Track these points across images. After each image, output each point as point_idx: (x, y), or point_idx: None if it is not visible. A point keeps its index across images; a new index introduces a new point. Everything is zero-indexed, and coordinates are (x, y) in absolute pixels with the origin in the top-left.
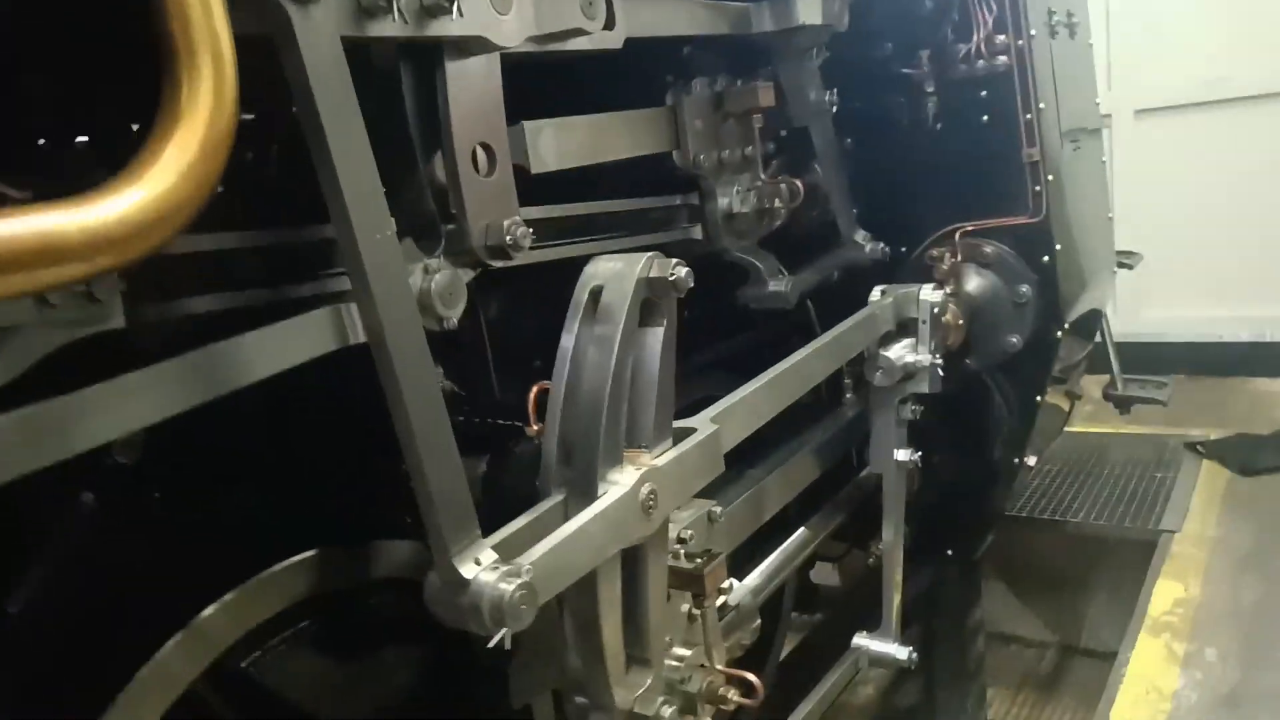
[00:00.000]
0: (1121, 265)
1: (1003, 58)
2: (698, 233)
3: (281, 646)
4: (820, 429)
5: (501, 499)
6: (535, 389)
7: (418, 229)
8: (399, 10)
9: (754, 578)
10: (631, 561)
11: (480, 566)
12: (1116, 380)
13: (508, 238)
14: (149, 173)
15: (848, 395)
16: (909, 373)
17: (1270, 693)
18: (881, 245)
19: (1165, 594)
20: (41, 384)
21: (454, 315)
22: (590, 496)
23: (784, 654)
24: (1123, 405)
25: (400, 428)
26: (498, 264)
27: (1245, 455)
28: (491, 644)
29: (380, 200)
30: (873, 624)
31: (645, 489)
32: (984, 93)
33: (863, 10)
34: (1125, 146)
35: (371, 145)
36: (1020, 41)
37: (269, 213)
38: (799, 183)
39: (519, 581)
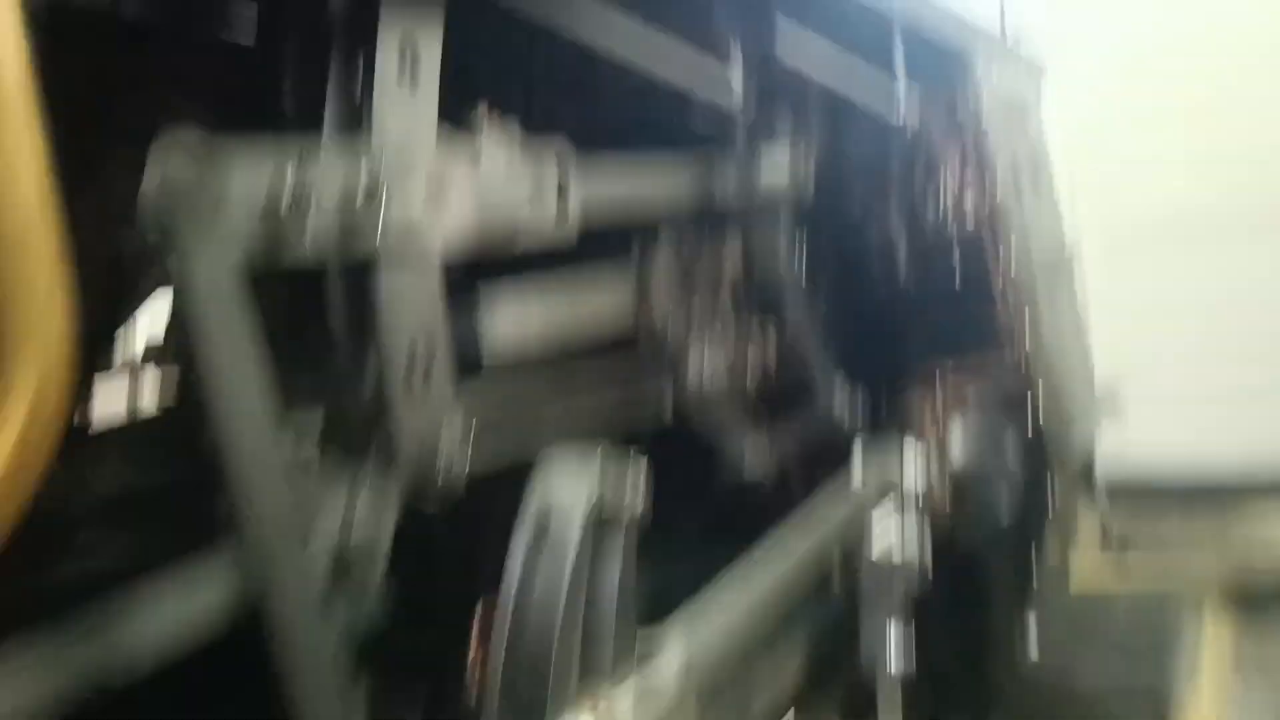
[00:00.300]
0: (1105, 410)
1: (972, 217)
2: (667, 399)
3: None
4: (805, 623)
5: None
6: (480, 608)
7: (348, 450)
8: (312, 235)
9: None
10: None
11: None
12: (1109, 530)
13: (440, 468)
14: None
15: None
16: (898, 570)
17: None
18: (860, 402)
19: None
20: None
21: (376, 568)
22: None
23: None
24: (1120, 546)
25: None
26: (432, 502)
27: (1252, 604)
28: None
29: (276, 443)
30: None
31: None
32: (956, 243)
33: (830, 168)
34: (1095, 274)
35: (296, 349)
36: (988, 202)
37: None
38: (770, 345)
39: None
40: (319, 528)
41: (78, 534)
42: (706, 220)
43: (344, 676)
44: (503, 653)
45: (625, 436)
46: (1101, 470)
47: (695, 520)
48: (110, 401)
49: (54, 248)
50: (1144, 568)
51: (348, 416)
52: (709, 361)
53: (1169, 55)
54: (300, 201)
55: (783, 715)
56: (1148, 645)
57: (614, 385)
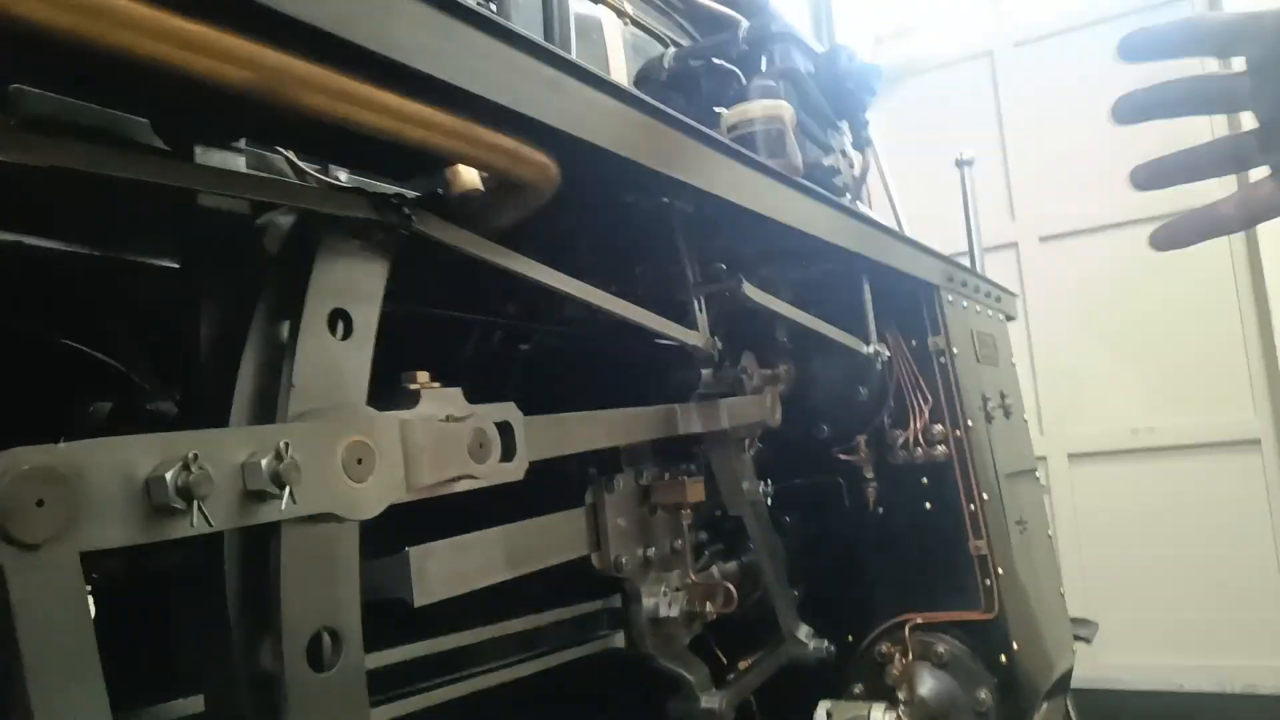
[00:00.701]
0: (1078, 638)
1: (941, 446)
2: (620, 640)
3: None
4: None
5: None
6: None
7: None
8: (201, 509)
9: None
10: None
11: None
12: None
13: None
14: None
15: None
16: None
17: None
18: (825, 644)
19: None
20: None
21: None
22: None
23: None
24: None
25: None
26: None
27: None
28: None
29: None
30: None
31: None
32: (924, 480)
33: (798, 398)
34: (1060, 491)
35: (181, 630)
36: (958, 431)
37: None
38: (732, 586)
39: None
40: None
41: None
42: (668, 452)
43: None
44: None
45: (571, 675)
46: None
47: None
48: None
49: None
50: None
51: (234, 707)
52: (666, 593)
53: (1129, 295)
54: (185, 470)
55: None
56: None
57: (562, 628)
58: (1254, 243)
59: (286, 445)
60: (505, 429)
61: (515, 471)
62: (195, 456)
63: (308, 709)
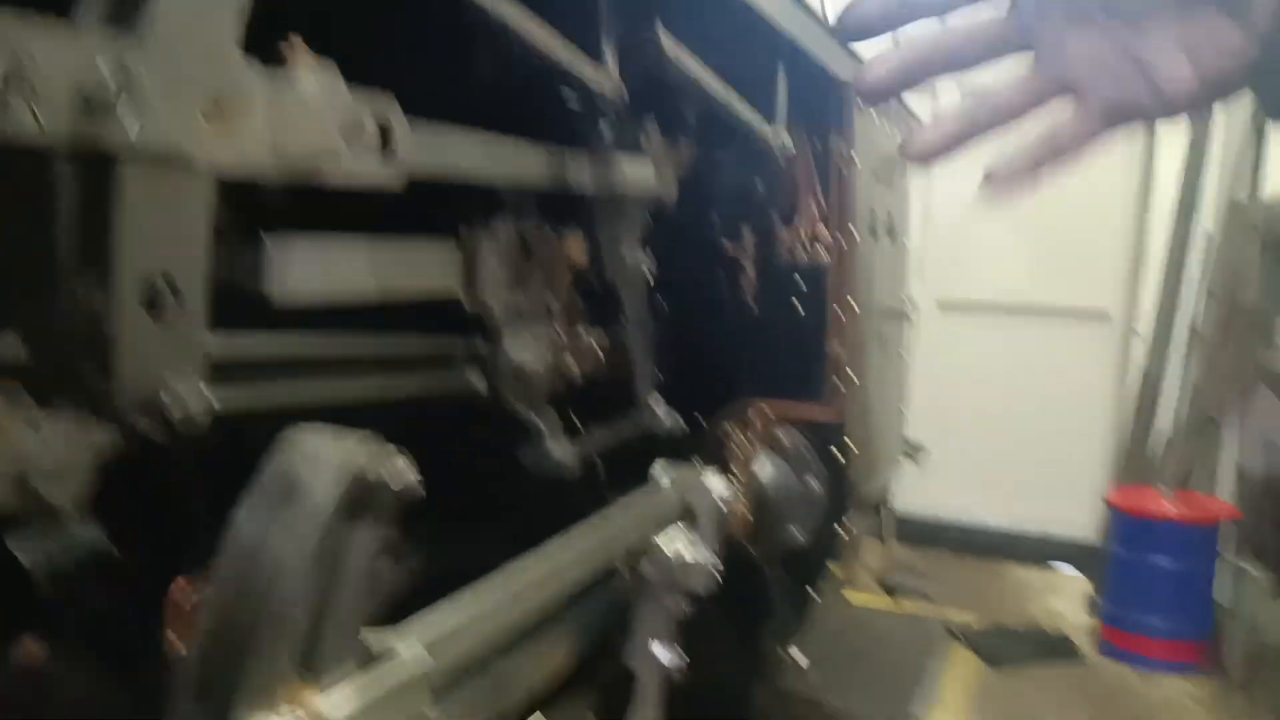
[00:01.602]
0: (906, 456)
1: (823, 252)
2: (480, 384)
3: None
4: (580, 606)
5: None
6: (181, 586)
7: (44, 371)
8: (35, 110)
9: None
10: None
11: None
12: (891, 567)
13: (176, 412)
14: None
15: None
16: (683, 569)
17: None
18: (677, 418)
19: None
20: None
21: (61, 499)
22: None
23: None
24: (892, 592)
25: None
26: (158, 439)
27: (997, 648)
28: None
29: None
30: None
31: None
32: (800, 281)
33: (695, 182)
34: (927, 335)
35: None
36: (842, 239)
37: None
38: (599, 347)
39: None
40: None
41: None
42: (555, 206)
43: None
44: (203, 630)
45: (425, 408)
46: (894, 512)
47: (484, 513)
48: None
49: None
50: (914, 604)
51: (56, 338)
52: (532, 346)
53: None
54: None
55: (533, 712)
56: (910, 668)
57: (421, 357)
58: (1150, 141)
59: (139, 63)
60: (384, 126)
61: (391, 178)
62: (29, 54)
63: (139, 354)
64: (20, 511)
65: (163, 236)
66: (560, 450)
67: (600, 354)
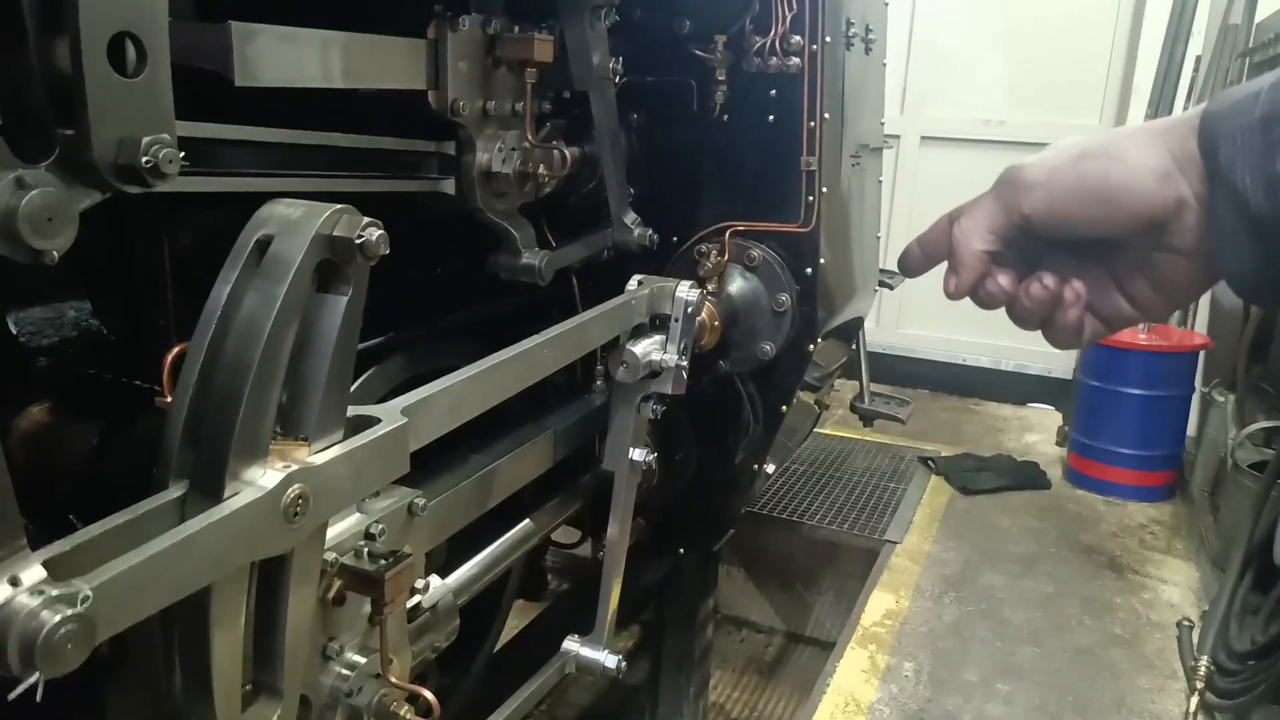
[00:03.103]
0: (883, 284)
1: (795, 59)
2: (449, 187)
3: None
4: (561, 414)
5: (115, 484)
6: (174, 350)
7: (20, 129)
8: None
9: (460, 574)
10: (269, 572)
11: (17, 588)
12: (864, 393)
13: (145, 159)
14: None
15: (598, 382)
16: (654, 371)
17: (948, 714)
18: (650, 232)
19: (878, 605)
20: None
21: (53, 247)
22: (216, 496)
23: (501, 645)
24: (867, 419)
25: None
26: (131, 190)
27: (967, 475)
28: (16, 692)
29: None
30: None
31: (291, 492)
32: (773, 92)
33: None
34: (908, 170)
35: None
36: (814, 46)
37: None
38: (569, 151)
39: (67, 613)
40: None
41: None
42: (519, 9)
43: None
44: (190, 388)
45: (390, 208)
46: (869, 339)
47: (460, 319)
48: None
49: None
50: (888, 435)
51: (25, 96)
52: (501, 150)
53: None
54: None
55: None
56: (883, 493)
57: (389, 157)
58: None
59: None
60: None
61: None
62: None
63: (109, 110)
64: (11, 262)
65: None
66: (531, 257)
67: (570, 161)
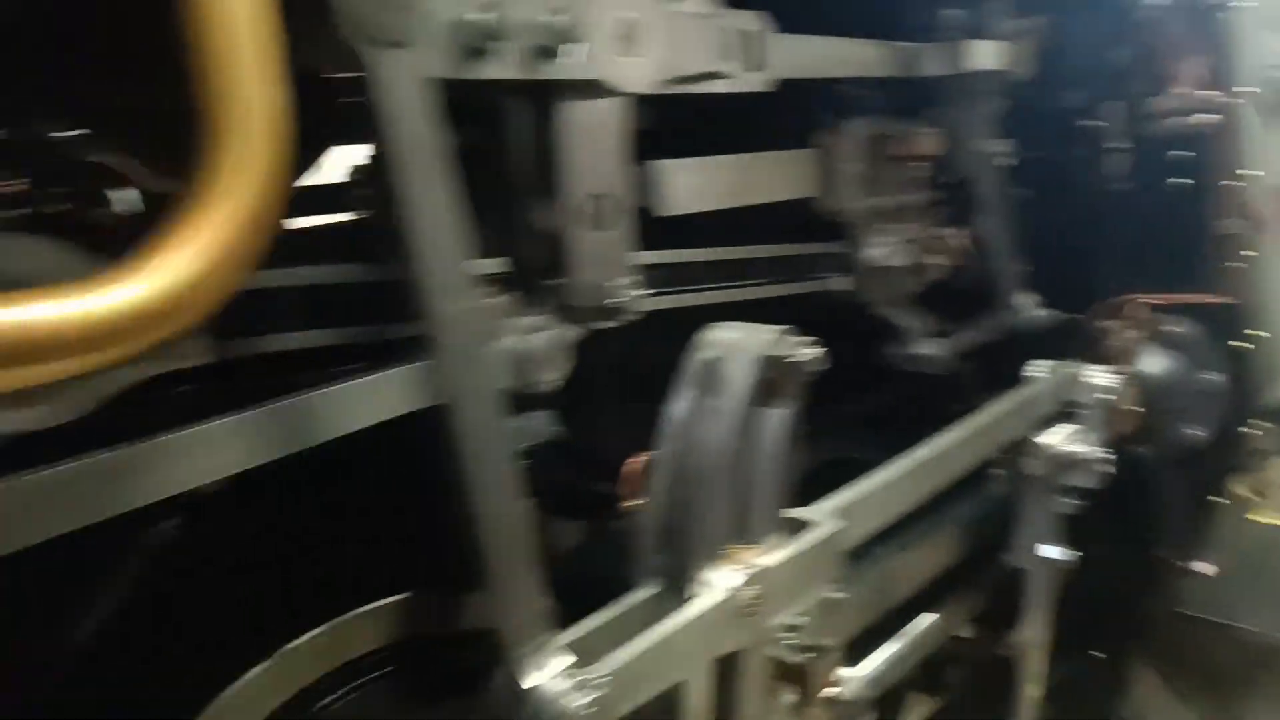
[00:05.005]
0: None
1: (1205, 117)
2: (843, 284)
3: (363, 690)
4: (964, 507)
5: (593, 577)
6: (638, 460)
7: (524, 283)
8: (505, 53)
9: (873, 665)
10: (724, 666)
11: (546, 674)
12: None
13: (612, 300)
14: (170, 256)
15: (998, 473)
16: (1068, 464)
17: None
18: (1046, 311)
19: None
20: (124, 413)
21: (553, 378)
22: (685, 594)
23: None
24: None
25: (465, 506)
26: (604, 325)
27: None
28: None
29: (460, 255)
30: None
31: (749, 593)
32: (1179, 154)
33: (1053, 57)
34: None
35: (475, 187)
36: (1228, 100)
37: (370, 246)
38: (960, 239)
39: (591, 697)
40: (501, 336)
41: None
42: (906, 98)
43: (516, 483)
44: (665, 484)
45: (795, 309)
46: None
47: (859, 409)
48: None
49: (269, 42)
50: None
51: (528, 256)
52: (892, 244)
53: None
54: (494, 15)
55: (923, 609)
56: None
57: (788, 262)
58: None
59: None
60: (754, 37)
61: (763, 82)
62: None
63: (588, 260)
64: (517, 393)
65: (593, 159)
66: (928, 348)
67: (960, 250)
